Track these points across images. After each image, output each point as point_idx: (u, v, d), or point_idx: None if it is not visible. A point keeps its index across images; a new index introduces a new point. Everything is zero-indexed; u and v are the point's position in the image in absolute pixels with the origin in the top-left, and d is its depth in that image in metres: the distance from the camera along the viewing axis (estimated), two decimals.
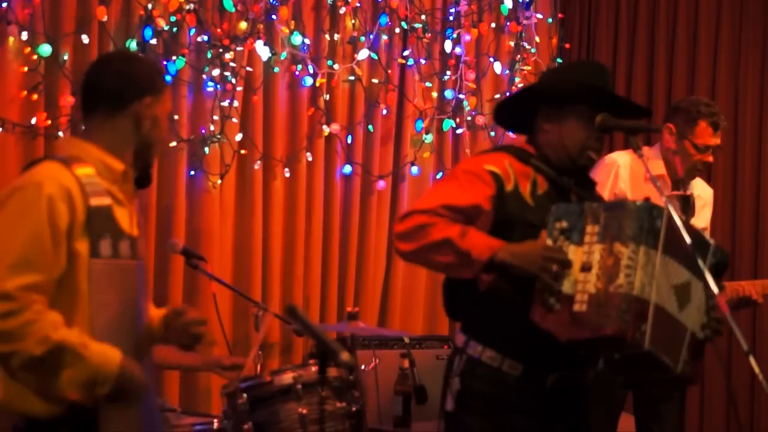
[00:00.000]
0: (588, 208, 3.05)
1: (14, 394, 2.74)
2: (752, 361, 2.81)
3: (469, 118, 6.23)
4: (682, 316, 3.03)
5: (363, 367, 4.96)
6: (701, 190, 4.80)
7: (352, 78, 5.80)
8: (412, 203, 5.97)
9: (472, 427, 3.17)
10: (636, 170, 4.60)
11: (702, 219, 4.76)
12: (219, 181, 5.28)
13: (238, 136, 5.36)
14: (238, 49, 5.31)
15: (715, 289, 2.90)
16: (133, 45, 4.92)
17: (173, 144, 5.01)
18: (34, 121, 4.68)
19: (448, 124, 6.16)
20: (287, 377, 4.13)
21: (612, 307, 2.90)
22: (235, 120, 5.33)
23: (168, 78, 5.00)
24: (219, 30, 5.25)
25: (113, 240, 2.78)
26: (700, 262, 2.91)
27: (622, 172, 4.61)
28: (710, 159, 4.58)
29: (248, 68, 5.38)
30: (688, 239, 2.93)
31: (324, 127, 5.68)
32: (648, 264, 2.95)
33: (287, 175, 5.57)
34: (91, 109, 2.91)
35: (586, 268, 2.97)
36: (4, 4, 4.59)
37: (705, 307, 3.08)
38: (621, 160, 4.62)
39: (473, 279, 3.12)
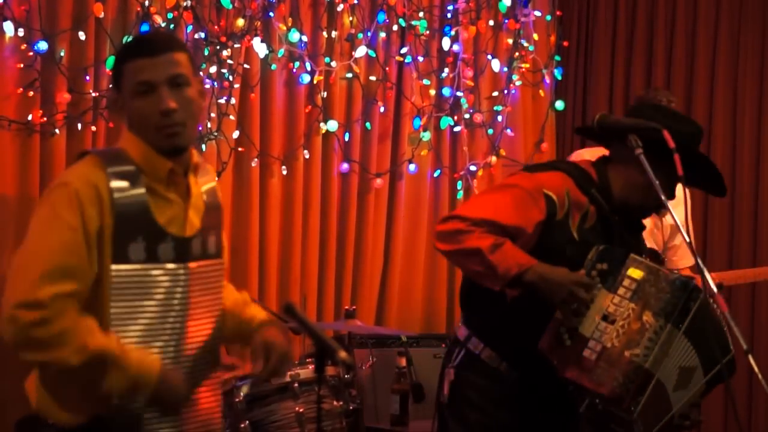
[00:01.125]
0: (632, 260, 3.05)
1: (45, 404, 2.74)
2: (751, 359, 2.80)
3: (467, 116, 6.21)
4: (673, 397, 3.07)
5: (360, 365, 4.95)
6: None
7: (349, 75, 5.79)
8: (409, 201, 5.99)
9: (466, 417, 3.20)
10: None
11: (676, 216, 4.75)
12: (216, 179, 5.25)
13: (235, 134, 5.34)
14: (236, 46, 5.30)
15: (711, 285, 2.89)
16: None
17: None
18: (30, 117, 4.66)
19: (446, 121, 6.15)
20: (284, 376, 4.12)
21: (621, 371, 2.96)
22: (232, 117, 5.32)
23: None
24: (216, 27, 5.24)
25: (148, 243, 2.67)
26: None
27: None
28: None
29: (245, 65, 5.36)
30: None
31: (321, 124, 5.66)
32: (668, 342, 2.99)
33: (284, 172, 5.55)
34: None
35: (609, 319, 3.00)
36: (1, 1, 4.57)
37: (693, 400, 3.13)
38: (587, 155, 4.64)
39: (495, 295, 3.13)
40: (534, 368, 3.13)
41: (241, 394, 4.05)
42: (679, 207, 4.35)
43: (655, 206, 3.23)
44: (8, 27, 4.60)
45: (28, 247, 2.63)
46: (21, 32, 4.63)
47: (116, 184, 2.66)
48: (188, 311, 2.77)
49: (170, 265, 2.72)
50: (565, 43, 6.76)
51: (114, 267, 2.64)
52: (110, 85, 2.75)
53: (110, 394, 2.63)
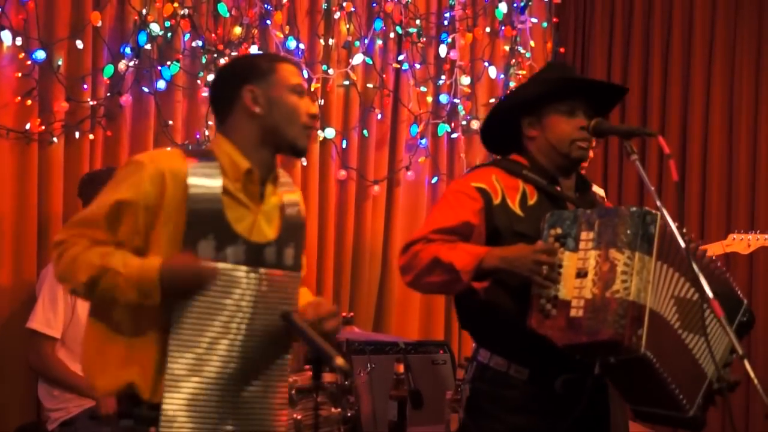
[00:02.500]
0: (582, 214, 3.07)
1: (87, 363, 2.80)
2: (746, 365, 2.81)
3: (464, 123, 6.23)
4: (683, 330, 3.06)
5: (358, 372, 4.95)
6: (597, 190, 4.84)
7: (346, 83, 5.80)
8: (407, 208, 5.99)
9: (481, 428, 3.19)
10: None
11: None
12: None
13: None
14: (233, 54, 5.31)
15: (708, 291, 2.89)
16: (127, 50, 4.92)
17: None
18: (28, 126, 4.67)
19: (443, 128, 6.16)
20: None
21: (608, 312, 2.92)
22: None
23: (165, 81, 4.97)
24: (213, 35, 5.25)
25: (218, 242, 2.73)
26: (703, 282, 2.90)
27: None
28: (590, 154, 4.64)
29: None
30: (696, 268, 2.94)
31: (319, 131, 5.67)
32: (643, 270, 2.97)
33: None
34: (217, 116, 2.96)
35: (581, 274, 3.00)
36: None
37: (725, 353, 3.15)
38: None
39: (473, 291, 3.15)
40: (541, 359, 3.13)
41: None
42: None
43: (573, 149, 3.25)
44: (6, 36, 4.61)
45: (88, 207, 2.79)
46: (19, 41, 4.64)
47: (193, 173, 2.75)
48: (257, 316, 2.80)
49: (240, 268, 2.77)
50: (562, 50, 6.78)
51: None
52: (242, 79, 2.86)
53: (129, 304, 2.68)
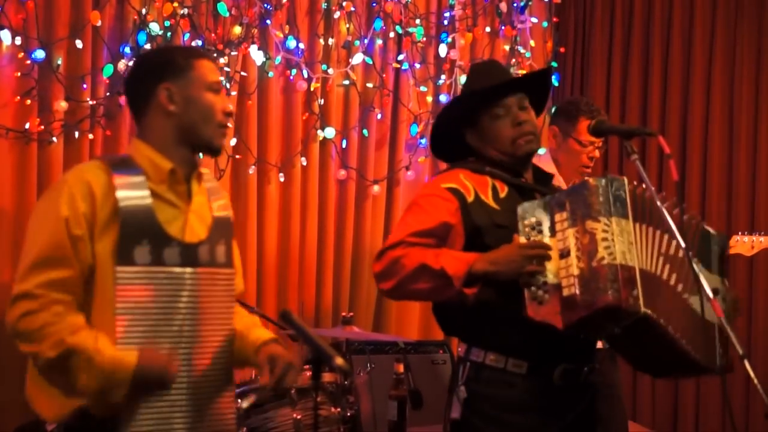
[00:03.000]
0: (550, 199, 3.09)
1: (34, 393, 2.77)
2: (747, 365, 2.80)
3: None
4: (681, 287, 3.06)
5: (358, 372, 4.95)
6: None
7: (346, 82, 5.80)
8: (402, 211, 5.99)
9: (480, 430, 3.17)
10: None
11: None
12: (227, 195, 5.26)
13: (233, 141, 5.35)
14: (233, 53, 5.31)
15: (705, 286, 2.89)
16: (127, 50, 4.91)
17: None
18: (27, 126, 4.66)
19: None
20: (293, 384, 4.12)
21: (600, 280, 2.92)
22: (229, 125, 5.30)
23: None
24: (213, 35, 5.24)
25: (153, 246, 2.73)
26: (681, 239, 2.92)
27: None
28: (596, 154, 4.63)
29: (242, 73, 5.37)
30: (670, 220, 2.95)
31: (318, 131, 5.67)
32: (623, 232, 2.98)
33: (282, 179, 5.56)
34: (133, 112, 2.94)
35: (564, 254, 3.01)
36: None
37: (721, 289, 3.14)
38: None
39: (463, 298, 3.12)
40: (539, 349, 3.12)
41: (243, 405, 4.04)
42: None
43: (516, 147, 3.25)
44: (5, 35, 4.60)
45: (25, 246, 2.74)
46: (18, 41, 4.64)
47: (121, 186, 2.73)
48: (197, 316, 2.81)
49: (176, 269, 2.77)
50: (562, 50, 6.78)
51: (119, 269, 2.70)
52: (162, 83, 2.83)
53: (84, 392, 2.66)
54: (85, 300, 2.71)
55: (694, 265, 2.88)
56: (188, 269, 2.80)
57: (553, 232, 3.04)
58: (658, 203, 2.99)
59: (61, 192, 2.72)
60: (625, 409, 4.72)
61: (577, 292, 2.94)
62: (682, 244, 2.92)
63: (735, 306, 3.15)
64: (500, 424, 3.16)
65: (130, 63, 4.90)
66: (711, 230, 3.24)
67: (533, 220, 3.07)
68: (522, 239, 3.06)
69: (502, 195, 3.23)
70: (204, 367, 2.84)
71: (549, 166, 4.63)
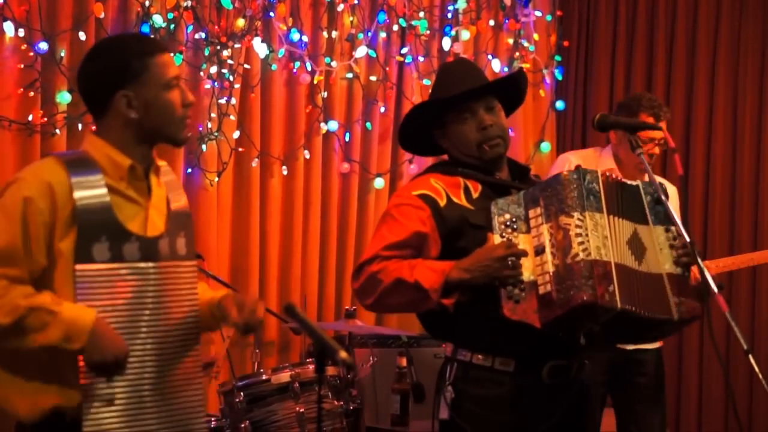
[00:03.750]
0: (524, 195, 3.06)
1: (1, 394, 2.73)
2: (751, 359, 2.80)
3: None
4: (645, 267, 3.02)
5: (361, 365, 4.95)
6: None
7: (350, 75, 5.79)
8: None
9: (468, 430, 3.15)
10: (589, 165, 4.66)
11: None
12: (216, 179, 5.27)
13: (236, 134, 5.34)
14: (236, 46, 5.30)
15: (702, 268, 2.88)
16: None
17: None
18: (30, 118, 4.66)
19: None
20: (285, 376, 4.13)
21: (575, 277, 2.90)
22: (232, 117, 5.32)
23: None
24: (216, 27, 5.24)
25: (112, 242, 2.70)
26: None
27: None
28: (656, 151, 4.61)
29: (246, 65, 5.37)
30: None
31: (322, 124, 5.67)
32: (597, 227, 2.96)
33: (285, 172, 5.55)
34: (89, 110, 2.89)
35: (539, 251, 2.98)
36: (1, 1, 4.57)
37: (665, 244, 3.07)
38: (573, 157, 4.75)
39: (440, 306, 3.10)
40: (526, 346, 3.11)
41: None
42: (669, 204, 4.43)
43: (482, 151, 3.20)
44: (8, 27, 4.60)
45: None
46: (21, 32, 4.63)
47: (77, 185, 2.69)
48: (162, 310, 2.79)
49: (139, 264, 2.75)
50: (566, 43, 6.77)
51: (78, 267, 2.67)
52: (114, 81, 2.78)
53: (44, 344, 2.62)
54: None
55: (699, 261, 2.88)
56: (150, 264, 2.78)
57: (527, 229, 3.02)
58: (628, 181, 2.96)
59: (17, 191, 2.67)
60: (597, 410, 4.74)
61: (553, 290, 2.92)
62: (687, 238, 2.91)
63: (692, 250, 3.08)
64: (489, 423, 3.13)
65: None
66: (632, 182, 3.14)
67: (507, 216, 3.04)
68: (497, 237, 3.02)
69: (476, 195, 3.18)
70: (172, 359, 2.82)
71: (609, 162, 4.61)
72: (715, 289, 2.88)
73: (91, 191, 2.70)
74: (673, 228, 3.08)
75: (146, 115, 2.77)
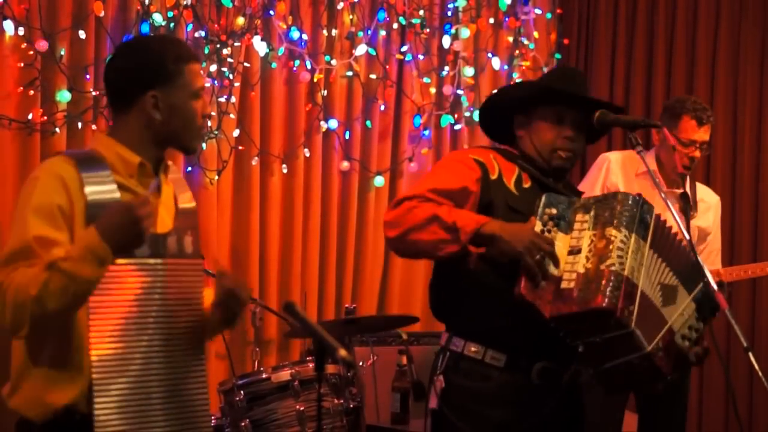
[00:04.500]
0: (577, 201, 3.11)
1: (15, 394, 2.74)
2: (751, 357, 2.80)
3: (467, 114, 6.22)
4: (664, 311, 3.04)
5: (361, 363, 4.95)
6: (705, 195, 4.89)
7: (350, 74, 5.79)
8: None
9: (456, 423, 3.16)
10: (628, 166, 4.68)
11: (704, 220, 4.80)
12: (216, 178, 5.27)
13: (236, 132, 5.34)
14: (236, 44, 5.30)
15: (712, 281, 2.90)
16: None
17: None
18: (30, 116, 4.66)
19: (447, 119, 6.15)
20: (285, 374, 4.13)
21: (602, 282, 2.91)
22: (232, 116, 5.32)
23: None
24: (216, 25, 5.24)
25: None
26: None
27: (614, 167, 4.71)
28: (696, 154, 4.62)
29: (245, 64, 5.37)
30: (687, 235, 2.95)
31: (322, 122, 5.67)
32: (638, 252, 2.99)
33: (285, 171, 5.56)
34: (110, 105, 2.91)
35: (574, 251, 3.01)
36: (1, 0, 4.57)
37: (690, 322, 3.09)
38: (613, 156, 4.75)
39: (461, 270, 3.12)
40: (520, 343, 3.11)
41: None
42: (710, 212, 4.48)
43: (554, 157, 3.24)
44: (8, 26, 4.60)
45: (7, 242, 2.70)
46: (21, 31, 4.63)
47: (88, 181, 2.70)
48: (168, 307, 2.80)
49: (148, 261, 2.76)
50: (566, 41, 6.77)
51: None
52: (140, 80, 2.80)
53: (89, 286, 2.60)
54: None
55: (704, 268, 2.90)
56: (158, 260, 2.79)
57: (569, 230, 3.05)
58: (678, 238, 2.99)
59: (34, 188, 2.69)
60: (619, 409, 4.74)
61: (575, 288, 2.93)
62: (709, 277, 2.93)
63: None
64: (474, 416, 3.15)
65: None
66: (702, 263, 3.16)
67: (555, 211, 3.06)
68: (538, 224, 3.04)
69: (526, 186, 3.23)
70: (178, 357, 2.83)
71: (651, 163, 4.62)
72: (715, 287, 2.89)
73: (100, 187, 2.71)
74: (702, 325, 3.13)
75: (169, 118, 2.79)
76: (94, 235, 2.58)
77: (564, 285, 2.95)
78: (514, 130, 3.33)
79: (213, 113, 5.21)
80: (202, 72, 2.88)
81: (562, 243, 3.02)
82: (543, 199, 3.09)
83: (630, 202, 3.02)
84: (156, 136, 2.81)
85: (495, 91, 3.45)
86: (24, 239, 2.63)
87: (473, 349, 3.16)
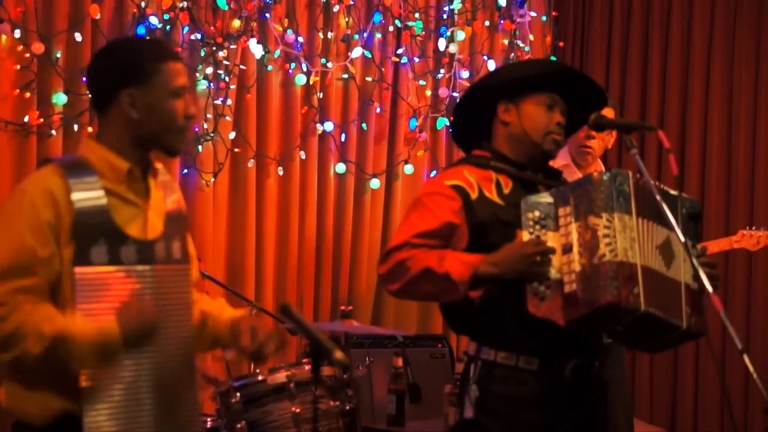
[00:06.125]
0: (555, 193, 3.10)
1: (12, 399, 2.74)
2: (746, 359, 2.80)
3: None
4: (670, 273, 3.05)
5: (357, 365, 4.95)
6: None
7: (345, 76, 5.79)
8: (405, 201, 5.99)
9: (492, 428, 3.17)
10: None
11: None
12: (212, 180, 5.27)
13: (232, 135, 5.35)
14: (232, 47, 5.30)
15: (681, 237, 2.89)
16: None
17: None
18: (26, 119, 4.66)
19: (442, 122, 6.16)
20: (281, 376, 4.13)
21: (600, 278, 2.93)
22: (228, 118, 5.32)
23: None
24: (212, 28, 5.24)
25: (110, 246, 2.70)
26: (672, 219, 2.91)
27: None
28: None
29: (241, 66, 5.37)
30: (657, 195, 2.95)
31: (317, 125, 5.67)
32: (625, 228, 2.98)
33: (281, 173, 5.56)
34: (93, 107, 2.93)
35: (567, 249, 3.02)
36: None
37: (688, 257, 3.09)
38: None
39: (467, 299, 3.13)
40: (549, 344, 3.13)
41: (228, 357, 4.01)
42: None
43: (546, 141, 3.27)
44: (4, 28, 4.60)
45: None
46: (17, 33, 4.63)
47: (75, 189, 2.70)
48: (158, 313, 2.78)
49: (136, 267, 2.75)
50: (561, 44, 6.78)
51: (77, 270, 2.67)
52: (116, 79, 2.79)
53: (82, 369, 2.64)
54: (59, 307, 2.68)
55: (695, 261, 2.88)
56: (146, 267, 2.78)
57: (556, 227, 3.05)
58: (657, 197, 2.98)
59: (22, 202, 2.68)
60: (630, 406, 4.73)
61: (578, 289, 2.95)
62: (681, 239, 2.91)
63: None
64: (513, 422, 3.16)
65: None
66: (673, 191, 3.17)
67: (537, 213, 3.07)
68: (525, 234, 3.05)
69: (507, 190, 3.22)
70: (168, 363, 2.82)
71: (566, 159, 4.66)
72: (710, 289, 2.89)
73: (87, 194, 2.71)
74: (698, 246, 3.12)
75: (147, 117, 2.78)
76: (115, 335, 2.62)
77: (567, 289, 2.98)
78: (495, 118, 3.32)
79: (209, 115, 5.21)
80: (189, 73, 2.83)
81: (554, 242, 3.04)
82: (522, 205, 3.09)
83: (603, 179, 3.01)
84: (136, 137, 2.80)
85: (479, 78, 3.43)
86: (19, 254, 2.63)
87: (504, 356, 3.17)
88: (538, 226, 3.05)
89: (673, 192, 3.16)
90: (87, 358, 2.62)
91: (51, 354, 2.60)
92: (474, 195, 3.19)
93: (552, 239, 3.04)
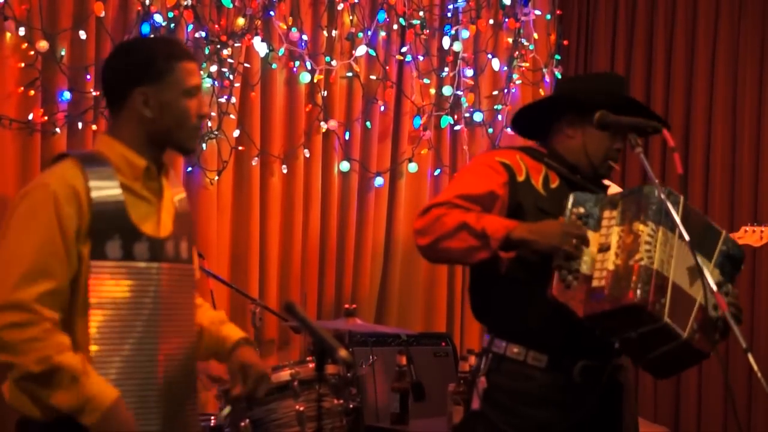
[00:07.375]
0: (605, 196, 3.14)
1: (16, 396, 2.74)
2: (750, 358, 2.80)
3: (467, 115, 6.22)
4: (691, 291, 3.05)
5: (361, 364, 4.96)
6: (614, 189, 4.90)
7: (350, 74, 5.79)
8: (409, 200, 5.99)
9: (497, 422, 3.19)
10: None
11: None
12: (216, 178, 5.27)
13: (236, 133, 5.35)
14: (236, 45, 5.31)
15: (712, 284, 2.90)
16: None
17: None
18: (31, 117, 4.66)
19: (446, 120, 6.16)
20: (285, 374, 4.13)
21: (632, 278, 2.92)
22: (232, 116, 5.32)
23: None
24: (216, 26, 5.24)
25: (124, 241, 2.72)
26: (699, 259, 2.91)
27: None
28: None
29: (246, 64, 5.37)
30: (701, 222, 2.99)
31: (322, 123, 5.67)
32: (667, 243, 3.00)
33: (285, 171, 5.56)
34: (107, 105, 2.92)
35: (604, 248, 3.03)
36: (2, 0, 4.57)
37: (718, 282, 3.12)
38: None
39: (495, 273, 3.15)
40: (560, 342, 3.13)
41: (223, 415, 4.04)
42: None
43: (604, 166, 3.30)
44: (9, 26, 4.60)
45: (9, 248, 2.68)
46: (22, 31, 4.64)
47: (93, 183, 2.71)
48: (160, 312, 2.80)
49: (145, 264, 2.77)
50: (565, 42, 6.77)
51: (93, 263, 2.69)
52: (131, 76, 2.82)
53: (56, 407, 2.64)
54: (69, 300, 2.70)
55: (706, 273, 2.90)
56: (155, 264, 2.80)
57: (597, 227, 3.07)
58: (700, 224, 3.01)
59: (46, 196, 2.68)
60: (634, 405, 4.73)
61: (607, 285, 2.95)
62: (706, 275, 2.93)
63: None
64: (518, 416, 3.18)
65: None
66: (717, 227, 3.22)
67: (582, 210, 3.09)
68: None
69: (553, 185, 3.25)
70: (170, 361, 2.83)
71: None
72: (714, 288, 2.89)
73: (105, 191, 2.73)
74: (731, 287, 3.15)
75: (160, 116, 2.80)
76: (105, 403, 2.63)
77: (595, 284, 2.98)
78: (558, 127, 3.32)
79: (213, 113, 5.22)
80: (200, 72, 2.85)
81: (591, 240, 3.05)
82: (570, 198, 3.11)
83: (656, 194, 3.03)
84: (149, 136, 2.82)
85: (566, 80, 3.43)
86: (43, 252, 2.64)
87: (515, 350, 3.19)
88: (580, 222, 3.08)
89: (717, 227, 3.19)
90: (74, 398, 2.62)
91: (44, 378, 2.61)
92: (520, 178, 3.22)
93: (591, 237, 3.05)
